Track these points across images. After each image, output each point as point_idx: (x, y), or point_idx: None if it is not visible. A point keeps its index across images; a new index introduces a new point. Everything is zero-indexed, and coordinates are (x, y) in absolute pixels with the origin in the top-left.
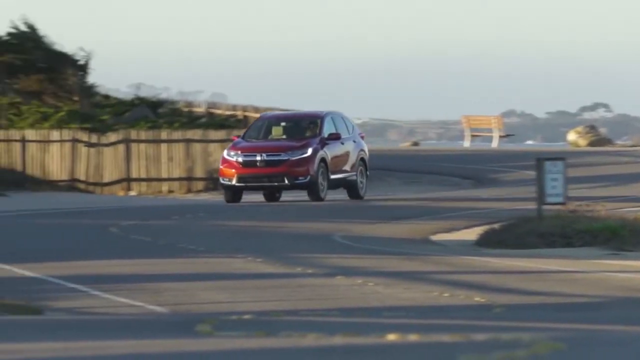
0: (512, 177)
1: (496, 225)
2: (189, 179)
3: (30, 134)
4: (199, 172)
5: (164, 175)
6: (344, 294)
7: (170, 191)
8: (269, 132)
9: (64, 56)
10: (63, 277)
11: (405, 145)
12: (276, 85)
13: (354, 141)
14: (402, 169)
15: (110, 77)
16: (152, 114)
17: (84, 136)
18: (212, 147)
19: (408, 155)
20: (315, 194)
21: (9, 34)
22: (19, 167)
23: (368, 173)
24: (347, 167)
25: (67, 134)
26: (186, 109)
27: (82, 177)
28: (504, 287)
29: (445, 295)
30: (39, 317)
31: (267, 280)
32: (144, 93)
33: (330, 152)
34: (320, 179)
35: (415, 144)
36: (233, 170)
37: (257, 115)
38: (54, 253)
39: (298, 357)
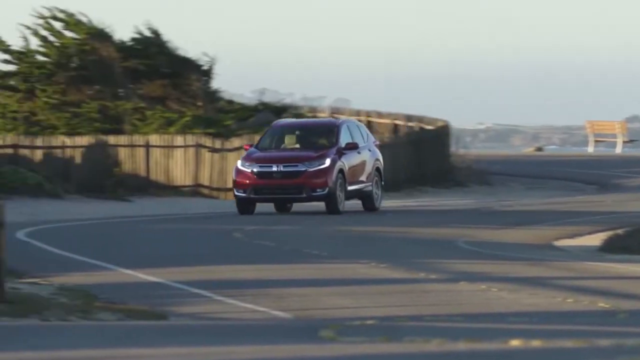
0: (637, 182)
1: (620, 231)
2: None
3: (154, 139)
4: None
5: None
6: (467, 300)
7: None
8: (282, 140)
9: (187, 61)
10: (187, 283)
11: (528, 150)
12: (399, 90)
13: (370, 150)
14: (525, 174)
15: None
16: (275, 119)
17: (207, 141)
18: None
19: (532, 160)
20: (333, 206)
21: (133, 39)
22: (142, 173)
23: (383, 183)
24: (363, 178)
25: (190, 139)
26: (310, 115)
27: (206, 182)
28: (628, 293)
29: (569, 300)
30: (164, 322)
31: (390, 285)
32: (267, 98)
33: (347, 162)
34: (338, 191)
35: (539, 149)
36: (247, 182)
37: (381, 120)
38: (177, 258)
39: None
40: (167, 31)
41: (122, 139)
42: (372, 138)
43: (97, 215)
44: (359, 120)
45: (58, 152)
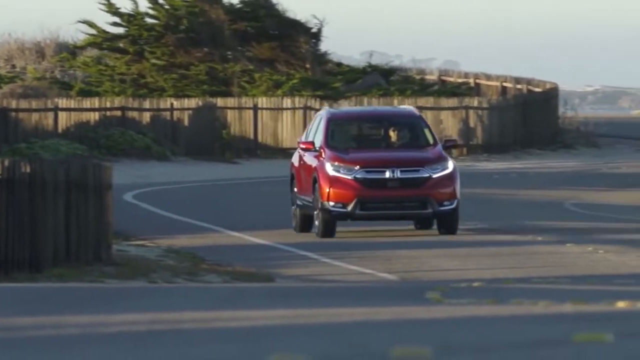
0: None
1: None
2: None
3: (262, 101)
4: None
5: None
6: (574, 262)
7: None
8: (360, 136)
9: (296, 24)
10: (293, 245)
11: (637, 112)
12: (507, 53)
13: None
14: (633, 137)
15: (343, 44)
16: (384, 81)
17: (316, 104)
18: (444, 114)
19: None
20: (452, 225)
21: (242, 2)
22: (250, 135)
23: None
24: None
25: (299, 101)
26: (418, 77)
27: None
28: None
29: None
30: (270, 284)
31: (497, 247)
32: (376, 61)
33: None
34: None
35: None
36: (349, 192)
37: (489, 83)
38: (283, 221)
39: (528, 325)
40: None
41: (230, 102)
42: None
43: (204, 177)
44: (467, 82)
45: (166, 114)
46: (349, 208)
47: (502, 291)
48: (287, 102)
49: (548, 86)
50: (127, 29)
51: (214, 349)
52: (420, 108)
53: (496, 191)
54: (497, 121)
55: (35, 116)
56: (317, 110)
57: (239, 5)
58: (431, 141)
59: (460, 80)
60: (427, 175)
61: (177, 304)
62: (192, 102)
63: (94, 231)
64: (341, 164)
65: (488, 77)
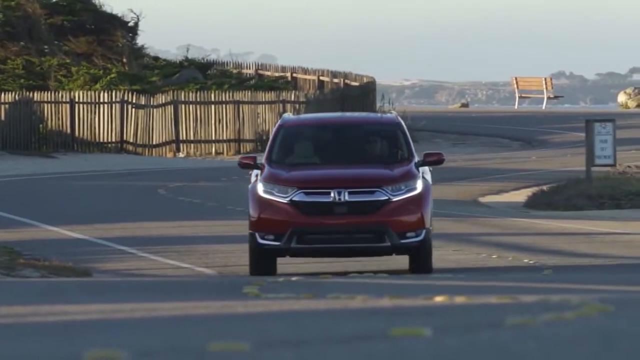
0: (561, 139)
1: (545, 187)
2: (238, 140)
3: (79, 95)
4: (247, 134)
5: (213, 137)
6: (392, 257)
7: (218, 153)
8: (318, 149)
9: (113, 18)
10: (111, 239)
11: (454, 106)
12: (325, 47)
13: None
14: (450, 131)
15: (160, 38)
16: (201, 75)
17: (133, 98)
18: (261, 108)
19: (457, 116)
20: (424, 262)
21: None
22: (67, 129)
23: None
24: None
25: (116, 95)
26: (235, 71)
27: (131, 139)
28: (552, 249)
29: (494, 257)
30: (88, 278)
31: None
32: (193, 55)
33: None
34: (431, 234)
35: (464, 105)
36: (284, 219)
37: (306, 77)
38: (101, 215)
39: (346, 319)
40: None
41: (47, 96)
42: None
43: (21, 172)
44: (284, 76)
45: None
46: (282, 241)
47: (320, 285)
48: (104, 96)
49: (365, 80)
50: None
51: (30, 344)
52: (237, 102)
53: None
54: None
55: None
56: (135, 104)
57: (55, 0)
58: (406, 155)
59: (277, 75)
60: (385, 198)
61: None
62: (9, 97)
63: None
64: (276, 184)
65: (305, 71)
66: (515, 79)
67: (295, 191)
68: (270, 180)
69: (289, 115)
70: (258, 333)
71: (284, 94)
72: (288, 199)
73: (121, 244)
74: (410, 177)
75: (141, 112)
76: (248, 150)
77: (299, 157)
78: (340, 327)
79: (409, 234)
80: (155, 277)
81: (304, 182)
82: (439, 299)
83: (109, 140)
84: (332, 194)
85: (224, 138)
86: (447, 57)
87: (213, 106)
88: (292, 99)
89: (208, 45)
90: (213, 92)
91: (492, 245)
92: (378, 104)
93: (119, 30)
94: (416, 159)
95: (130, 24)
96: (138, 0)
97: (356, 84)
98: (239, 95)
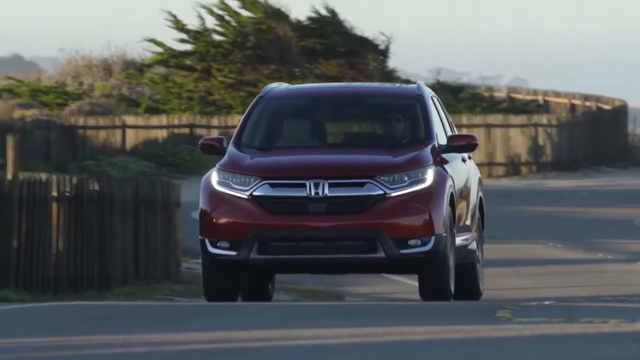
0: None
1: None
2: (489, 164)
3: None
4: (499, 157)
5: None
6: None
7: None
8: (298, 127)
9: (364, 41)
10: None
11: None
12: (576, 70)
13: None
14: None
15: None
16: (452, 98)
17: None
18: (513, 132)
19: None
20: (437, 281)
21: (310, 18)
22: None
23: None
24: (468, 220)
25: None
26: (487, 94)
27: None
28: None
29: None
30: (340, 302)
31: (567, 266)
32: (444, 77)
33: (456, 179)
34: (448, 245)
35: None
36: (242, 221)
37: (558, 100)
38: None
39: (597, 343)
40: (343, 10)
41: None
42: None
43: None
44: (536, 100)
45: (234, 131)
46: (240, 250)
47: (573, 310)
48: None
49: (617, 103)
50: (194, 45)
51: None
52: (489, 125)
53: (565, 209)
54: (567, 138)
55: (102, 133)
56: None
57: (306, 22)
58: (422, 137)
59: (529, 98)
60: (379, 192)
61: (246, 322)
62: None
63: (163, 249)
64: (234, 173)
65: (557, 94)
66: None
67: (259, 183)
68: (227, 168)
69: (273, 86)
70: (509, 357)
71: (535, 117)
72: (248, 193)
73: None
74: (416, 163)
75: None
76: (500, 174)
77: (276, 139)
78: (591, 352)
79: (411, 242)
80: (405, 301)
81: (269, 171)
82: None
83: None
84: (307, 187)
85: (476, 161)
86: None
87: (464, 129)
88: (544, 122)
89: (459, 68)
90: (464, 115)
91: None
92: (630, 127)
93: (370, 53)
94: (436, 142)
95: (381, 46)
96: (389, 24)
97: (608, 107)
98: (490, 119)
